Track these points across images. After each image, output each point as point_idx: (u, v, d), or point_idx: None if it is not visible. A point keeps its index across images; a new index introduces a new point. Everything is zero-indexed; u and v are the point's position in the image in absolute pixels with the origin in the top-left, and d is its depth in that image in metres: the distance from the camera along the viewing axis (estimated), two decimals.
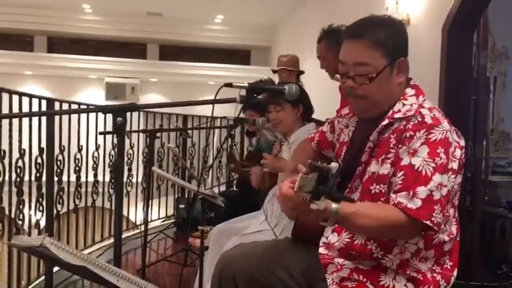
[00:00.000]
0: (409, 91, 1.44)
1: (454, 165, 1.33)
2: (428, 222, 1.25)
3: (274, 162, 2.22)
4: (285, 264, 1.58)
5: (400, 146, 1.34)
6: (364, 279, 1.39)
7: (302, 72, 4.16)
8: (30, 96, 3.01)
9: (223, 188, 5.68)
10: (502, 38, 5.19)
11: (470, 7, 3.34)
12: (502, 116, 5.46)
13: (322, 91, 4.01)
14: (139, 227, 4.76)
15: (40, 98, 3.13)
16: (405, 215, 1.25)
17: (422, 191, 1.25)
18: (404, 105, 1.40)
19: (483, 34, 3.82)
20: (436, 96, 3.42)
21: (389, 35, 1.38)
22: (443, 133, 1.30)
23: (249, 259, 1.61)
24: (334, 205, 1.20)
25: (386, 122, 1.39)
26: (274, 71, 4.12)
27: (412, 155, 1.30)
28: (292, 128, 2.53)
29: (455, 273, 1.43)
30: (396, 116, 1.38)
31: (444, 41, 3.47)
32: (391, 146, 1.36)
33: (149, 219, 4.64)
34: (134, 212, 5.06)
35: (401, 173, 1.30)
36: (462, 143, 1.39)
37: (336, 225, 1.33)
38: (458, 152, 1.35)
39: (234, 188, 4.69)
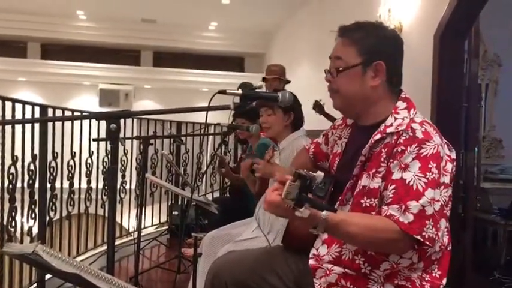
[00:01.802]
0: (401, 104, 1.44)
1: (446, 179, 1.33)
2: (419, 237, 1.25)
3: (266, 168, 2.22)
4: (277, 271, 1.58)
5: (391, 160, 1.34)
6: (351, 286, 1.39)
7: (288, 82, 4.36)
8: (24, 102, 3.01)
9: (217, 194, 5.68)
10: (494, 46, 5.24)
11: (462, 15, 3.38)
12: (494, 123, 5.50)
13: (315, 98, 4.03)
14: (132, 234, 4.74)
15: (33, 104, 3.12)
16: (397, 228, 1.25)
17: (414, 205, 1.25)
18: (396, 119, 1.40)
19: (475, 42, 3.85)
20: (428, 104, 3.45)
21: (367, 36, 1.43)
22: (434, 148, 1.31)
23: (241, 266, 1.61)
24: (324, 212, 1.20)
25: (378, 136, 1.39)
26: (265, 79, 4.22)
27: (404, 169, 1.30)
28: (281, 134, 2.54)
29: (444, 281, 1.42)
30: (388, 130, 1.38)
31: (436, 48, 3.50)
32: (382, 159, 1.36)
33: (142, 226, 4.62)
34: (127, 219, 5.04)
35: (393, 186, 1.30)
36: (453, 155, 1.40)
37: (326, 232, 1.33)
38: (449, 166, 1.35)
39: (228, 195, 4.70)
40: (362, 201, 1.39)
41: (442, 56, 3.47)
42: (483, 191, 4.50)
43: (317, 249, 1.49)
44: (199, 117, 2.77)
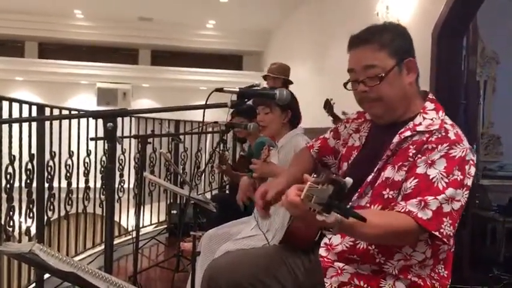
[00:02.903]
0: (429, 105, 1.46)
1: (469, 182, 1.35)
2: (437, 233, 1.27)
3: (263, 167, 2.21)
4: (275, 273, 1.56)
5: (419, 155, 1.35)
6: (365, 285, 1.39)
7: (291, 82, 4.20)
8: (21, 102, 3.00)
9: (215, 193, 5.67)
10: (492, 43, 5.24)
11: (460, 13, 3.38)
12: (492, 120, 5.51)
13: (313, 97, 4.03)
14: (131, 233, 4.74)
15: (30, 104, 3.11)
16: (415, 224, 1.26)
17: (433, 202, 1.27)
18: (424, 118, 1.42)
19: (473, 39, 3.86)
20: None
21: (392, 37, 1.42)
22: (463, 151, 1.33)
23: (238, 268, 1.59)
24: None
25: (408, 133, 1.40)
26: (265, 77, 4.18)
27: (430, 165, 1.32)
28: (279, 132, 2.53)
29: (449, 281, 1.45)
30: (418, 128, 1.40)
31: (434, 46, 3.50)
32: (410, 155, 1.37)
33: (141, 225, 4.61)
34: (126, 218, 5.03)
35: (415, 180, 1.32)
36: (475, 159, 1.41)
37: (340, 233, 1.33)
38: (472, 170, 1.36)
39: (227, 192, 4.69)
40: (384, 192, 1.39)
41: (440, 54, 3.47)
42: (482, 188, 4.51)
43: (329, 239, 1.48)
44: (197, 115, 2.77)
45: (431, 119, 1.41)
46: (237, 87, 1.35)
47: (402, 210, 1.29)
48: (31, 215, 3.13)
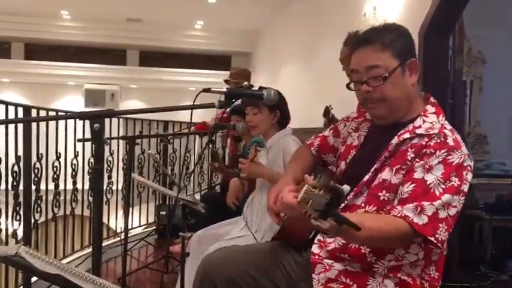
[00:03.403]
0: (430, 108, 1.46)
1: (465, 188, 1.35)
2: (432, 239, 1.28)
3: (251, 167, 2.21)
4: (266, 269, 1.57)
5: (417, 159, 1.36)
6: (351, 283, 1.39)
7: (252, 86, 4.30)
8: (6, 103, 2.96)
9: (205, 192, 5.66)
10: (478, 43, 5.30)
11: (446, 12, 3.41)
12: (479, 119, 5.58)
13: (301, 97, 4.04)
14: (120, 234, 4.71)
15: (16, 105, 3.08)
16: (410, 229, 1.27)
17: (429, 207, 1.28)
18: (424, 121, 1.42)
19: (459, 39, 3.90)
20: None
21: (395, 37, 1.42)
22: (461, 157, 1.33)
23: (230, 264, 1.60)
24: None
25: (407, 135, 1.40)
26: (227, 81, 4.33)
27: (427, 171, 1.32)
28: (267, 133, 2.53)
29: (440, 283, 1.46)
30: (418, 131, 1.40)
31: (421, 45, 3.53)
32: (409, 159, 1.37)
33: (130, 227, 4.59)
34: (115, 220, 5.00)
35: (412, 185, 1.32)
36: (472, 165, 1.41)
37: (336, 237, 1.33)
38: (469, 176, 1.37)
39: (218, 190, 4.67)
40: (380, 194, 1.40)
41: (427, 53, 3.50)
42: (469, 187, 4.54)
43: (323, 236, 1.48)
44: (186, 116, 2.76)
45: (431, 123, 1.41)
46: (225, 88, 1.35)
47: (398, 215, 1.29)
48: (18, 217, 3.09)
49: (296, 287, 1.54)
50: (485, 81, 5.58)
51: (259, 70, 9.37)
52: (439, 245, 1.29)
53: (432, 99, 1.51)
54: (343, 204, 1.42)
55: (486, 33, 5.12)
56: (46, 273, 0.89)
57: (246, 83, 3.83)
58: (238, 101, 2.75)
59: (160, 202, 5.38)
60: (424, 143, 1.37)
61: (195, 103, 1.31)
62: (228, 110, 3.41)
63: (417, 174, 1.33)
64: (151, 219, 5.56)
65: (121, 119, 4.89)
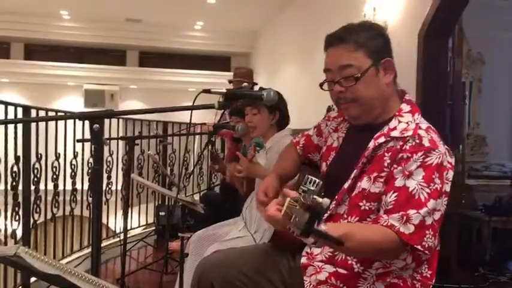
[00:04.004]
0: (405, 107, 1.43)
1: (447, 187, 1.33)
2: (419, 247, 1.26)
3: (250, 168, 2.21)
4: (263, 271, 1.58)
5: (394, 165, 1.33)
6: (341, 285, 1.39)
7: (255, 84, 4.38)
8: (6, 103, 2.96)
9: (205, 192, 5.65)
10: (477, 44, 5.31)
11: (445, 14, 3.42)
12: (478, 121, 5.58)
13: (300, 97, 4.05)
14: (119, 235, 4.71)
15: (16, 105, 3.08)
16: (397, 238, 1.25)
17: (415, 216, 1.25)
18: (400, 122, 1.39)
19: (458, 40, 3.90)
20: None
21: (369, 36, 1.40)
22: (439, 157, 1.30)
23: (228, 266, 1.61)
24: (322, 227, 1.14)
25: (382, 139, 1.38)
26: (230, 82, 4.29)
27: (407, 177, 1.29)
28: (267, 133, 2.53)
29: (433, 281, 1.44)
30: (392, 134, 1.37)
31: (420, 47, 3.54)
32: (386, 165, 1.35)
33: (129, 227, 4.58)
34: (114, 220, 5.00)
35: (395, 194, 1.29)
36: (453, 161, 1.38)
37: (323, 246, 1.32)
38: (450, 174, 1.34)
39: (217, 191, 4.68)
40: (361, 203, 1.38)
41: (426, 55, 3.51)
42: (468, 188, 4.55)
43: (310, 248, 1.48)
44: (185, 117, 2.75)
45: (407, 123, 1.38)
46: (225, 88, 1.35)
47: (384, 224, 1.27)
48: (17, 218, 3.09)
49: (291, 286, 1.54)
50: (485, 83, 5.58)
51: (258, 71, 9.35)
52: (426, 251, 1.27)
53: (407, 97, 1.47)
54: (326, 214, 1.41)
55: (485, 35, 5.13)
56: (45, 273, 0.88)
57: (246, 83, 3.84)
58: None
59: (160, 203, 5.39)
60: (399, 146, 1.34)
61: (195, 104, 1.31)
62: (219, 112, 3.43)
63: (398, 182, 1.30)
64: (150, 220, 5.56)
65: (120, 120, 4.89)
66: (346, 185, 1.41)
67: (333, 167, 1.53)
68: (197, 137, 5.98)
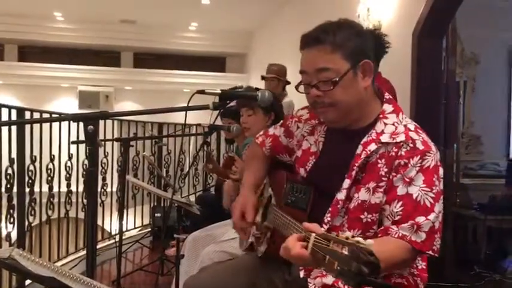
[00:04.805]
0: (387, 107, 1.38)
1: (441, 186, 1.32)
2: (431, 253, 1.26)
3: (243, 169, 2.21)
4: (256, 285, 1.55)
5: (393, 173, 1.29)
6: None
7: (288, 83, 4.29)
8: (0, 105, 2.95)
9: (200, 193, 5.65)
10: (471, 44, 5.33)
11: (439, 14, 3.43)
12: (472, 120, 5.61)
13: (296, 98, 4.04)
14: (114, 237, 4.69)
15: (10, 107, 3.07)
16: (411, 248, 1.24)
17: (426, 223, 1.24)
18: (386, 124, 1.35)
19: (452, 40, 3.91)
20: (408, 101, 3.49)
21: (347, 37, 1.31)
22: (434, 158, 1.29)
23: (218, 285, 1.57)
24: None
25: (374, 147, 1.32)
26: (264, 78, 4.23)
27: (408, 184, 1.27)
28: None
29: (427, 273, 1.44)
30: (383, 139, 1.32)
31: (414, 46, 3.55)
32: (383, 173, 1.31)
33: (125, 229, 4.57)
34: (109, 222, 4.99)
35: (400, 203, 1.27)
36: (438, 155, 1.36)
37: None
38: (441, 171, 1.32)
39: (212, 192, 4.67)
40: (362, 216, 1.33)
41: (420, 54, 3.52)
42: (463, 187, 4.57)
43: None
44: (181, 118, 2.75)
45: (393, 124, 1.34)
46: (219, 89, 1.34)
47: (396, 236, 1.25)
48: (12, 220, 3.08)
49: None
50: (478, 82, 5.61)
51: (253, 71, 9.35)
52: (436, 255, 1.27)
53: (387, 96, 1.41)
54: (326, 227, 1.35)
55: (479, 34, 5.15)
56: (40, 276, 0.88)
57: (241, 84, 3.84)
58: (233, 103, 2.75)
59: (155, 204, 5.38)
60: (394, 153, 1.30)
61: (190, 105, 1.30)
62: (215, 113, 3.41)
63: (400, 190, 1.28)
64: (146, 221, 5.55)
65: (115, 121, 4.87)
66: (339, 196, 1.35)
67: (316, 174, 1.46)
68: (192, 137, 5.97)
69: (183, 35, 9.92)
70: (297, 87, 1.40)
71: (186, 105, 1.31)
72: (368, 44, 1.35)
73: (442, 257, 3.46)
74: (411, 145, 1.29)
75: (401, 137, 1.31)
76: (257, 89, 2.02)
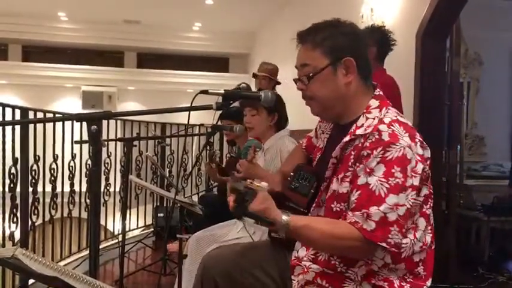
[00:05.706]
0: (373, 103, 1.42)
1: (415, 181, 1.29)
2: (384, 244, 1.25)
3: (249, 169, 2.21)
4: (262, 265, 1.66)
5: (357, 164, 1.32)
6: (327, 285, 1.39)
7: (279, 83, 4.36)
8: (4, 105, 2.96)
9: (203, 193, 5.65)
10: (474, 45, 5.32)
11: (443, 14, 3.42)
12: (476, 121, 5.59)
13: (299, 99, 4.04)
14: (117, 236, 4.70)
15: (14, 107, 3.08)
16: (360, 235, 1.26)
17: (376, 213, 1.25)
18: (367, 119, 1.38)
19: (456, 41, 3.90)
20: (411, 102, 3.48)
21: (328, 36, 1.40)
22: (400, 150, 1.27)
23: (229, 260, 1.69)
24: (284, 217, 1.26)
25: (348, 138, 1.38)
26: (255, 76, 4.23)
27: (369, 174, 1.29)
28: (265, 134, 2.54)
29: (428, 283, 1.41)
30: (358, 132, 1.36)
31: (418, 47, 3.53)
32: (350, 164, 1.35)
33: (128, 229, 4.58)
34: (112, 222, 4.99)
35: (358, 192, 1.29)
36: (427, 154, 1.36)
37: (288, 236, 1.32)
38: (420, 167, 1.30)
39: (215, 192, 4.67)
40: (332, 205, 1.39)
41: (424, 55, 3.51)
42: (466, 188, 4.56)
43: (297, 251, 1.51)
44: (183, 118, 2.75)
45: (373, 118, 1.37)
46: (222, 89, 1.34)
47: (349, 221, 1.28)
48: (15, 219, 3.09)
49: (287, 281, 1.57)
50: (482, 83, 5.59)
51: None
52: (393, 249, 1.27)
53: (376, 92, 1.45)
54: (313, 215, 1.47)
55: (483, 35, 5.14)
56: (43, 275, 0.88)
57: (244, 84, 3.83)
58: (235, 103, 2.75)
59: (158, 204, 5.38)
60: (361, 144, 1.33)
61: (193, 105, 1.31)
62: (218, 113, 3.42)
63: (360, 180, 1.30)
64: (148, 221, 5.56)
65: (118, 121, 4.88)
66: (322, 187, 1.45)
67: (318, 167, 1.56)
68: (195, 138, 5.97)
69: (187, 35, 9.93)
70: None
71: (189, 105, 1.32)
72: (351, 42, 1.42)
73: (445, 258, 3.45)
74: (377, 136, 1.31)
75: (370, 129, 1.34)
76: (260, 89, 2.02)
